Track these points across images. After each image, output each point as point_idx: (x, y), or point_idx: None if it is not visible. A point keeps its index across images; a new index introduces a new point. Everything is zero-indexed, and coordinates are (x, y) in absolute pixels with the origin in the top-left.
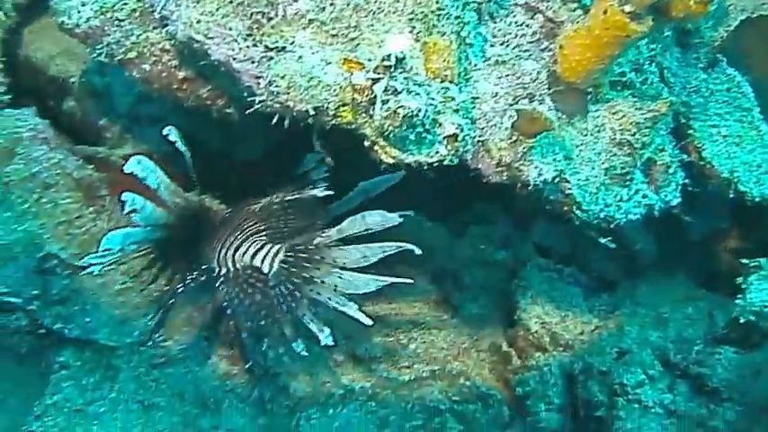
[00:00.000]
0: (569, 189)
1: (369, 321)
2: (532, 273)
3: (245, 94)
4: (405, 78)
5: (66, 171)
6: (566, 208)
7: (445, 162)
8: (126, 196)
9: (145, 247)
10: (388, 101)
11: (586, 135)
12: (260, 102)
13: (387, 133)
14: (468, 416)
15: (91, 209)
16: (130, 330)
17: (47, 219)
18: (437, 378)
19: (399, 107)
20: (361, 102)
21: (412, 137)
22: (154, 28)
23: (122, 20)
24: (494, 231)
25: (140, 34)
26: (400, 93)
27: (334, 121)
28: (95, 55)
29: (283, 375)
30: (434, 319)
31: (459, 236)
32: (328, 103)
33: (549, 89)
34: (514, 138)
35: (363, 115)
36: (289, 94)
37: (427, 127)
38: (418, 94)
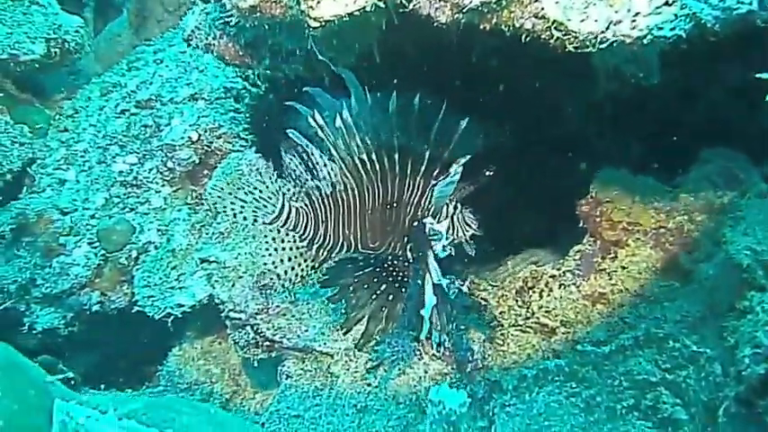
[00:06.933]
0: (542, 9)
1: None
2: (751, 202)
3: None
4: None
5: None
6: (545, 35)
7: (368, 8)
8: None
9: None
10: None
11: None
12: None
13: None
14: (680, 385)
15: None
16: (345, 337)
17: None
18: (642, 345)
19: None
20: None
21: None
22: None
23: None
24: (715, 171)
25: None
26: None
27: None
28: None
29: (494, 369)
30: (663, 289)
31: (677, 186)
32: None
33: None
34: None
35: None
36: None
37: None
38: None
